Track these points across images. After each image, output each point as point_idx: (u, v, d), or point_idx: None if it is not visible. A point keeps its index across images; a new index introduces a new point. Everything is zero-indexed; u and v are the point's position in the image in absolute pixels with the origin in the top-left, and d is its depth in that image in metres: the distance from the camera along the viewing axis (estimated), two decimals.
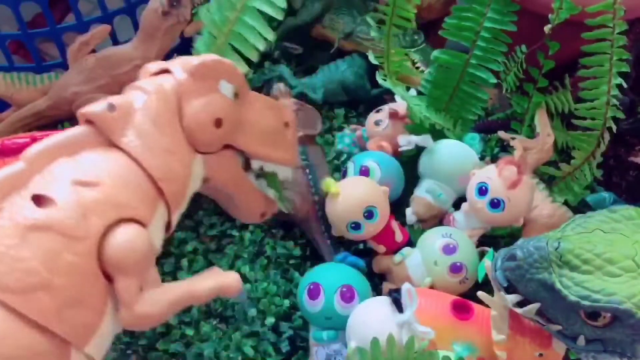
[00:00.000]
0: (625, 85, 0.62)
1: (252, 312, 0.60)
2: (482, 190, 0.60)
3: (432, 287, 0.59)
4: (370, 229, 0.60)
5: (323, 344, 0.56)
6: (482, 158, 0.70)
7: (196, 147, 0.50)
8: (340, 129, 0.77)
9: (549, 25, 0.63)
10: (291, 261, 0.65)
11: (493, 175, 0.60)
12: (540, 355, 0.50)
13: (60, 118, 0.78)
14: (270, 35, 0.65)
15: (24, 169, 0.44)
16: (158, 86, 0.49)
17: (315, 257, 0.65)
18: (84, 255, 0.42)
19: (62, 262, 0.41)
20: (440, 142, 0.67)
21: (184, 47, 0.87)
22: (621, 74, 0.62)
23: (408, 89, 0.72)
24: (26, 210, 0.42)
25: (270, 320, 0.60)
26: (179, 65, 0.50)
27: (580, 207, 0.66)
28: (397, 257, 0.61)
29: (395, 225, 0.63)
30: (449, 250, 0.59)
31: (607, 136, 0.65)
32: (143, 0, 0.79)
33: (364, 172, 0.65)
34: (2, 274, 0.40)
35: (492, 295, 0.49)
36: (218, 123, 0.50)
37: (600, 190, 0.68)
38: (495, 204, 0.60)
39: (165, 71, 0.51)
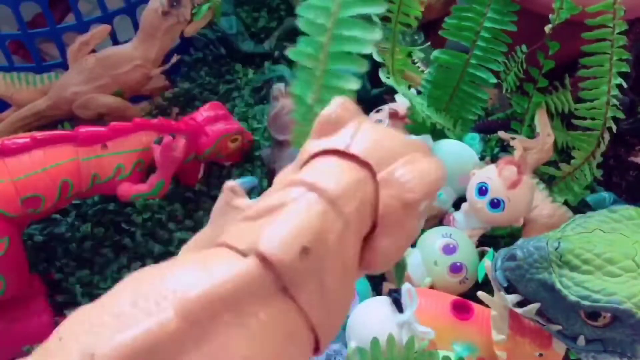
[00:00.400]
0: (625, 85, 0.62)
1: None
2: (482, 190, 0.60)
3: (432, 287, 0.59)
4: None
5: None
6: (482, 158, 0.70)
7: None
8: None
9: (549, 25, 0.63)
10: None
11: (493, 175, 0.60)
12: (541, 355, 0.50)
13: (60, 118, 0.79)
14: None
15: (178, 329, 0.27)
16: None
17: None
18: None
19: None
20: (440, 142, 0.67)
21: (184, 47, 0.87)
22: (621, 74, 0.61)
23: (409, 87, 0.72)
24: None
25: None
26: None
27: (580, 207, 0.66)
28: None
29: None
30: (449, 250, 0.59)
31: (607, 136, 0.65)
32: (143, 0, 0.79)
33: None
34: None
35: (492, 295, 0.49)
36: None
37: (600, 190, 0.68)
38: (495, 204, 0.60)
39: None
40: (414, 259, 0.60)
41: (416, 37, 0.79)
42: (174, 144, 0.64)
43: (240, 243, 0.28)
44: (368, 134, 0.32)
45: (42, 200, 0.59)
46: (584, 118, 0.65)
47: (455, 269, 0.58)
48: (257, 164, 0.74)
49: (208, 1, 0.77)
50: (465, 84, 0.70)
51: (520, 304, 0.46)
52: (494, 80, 0.68)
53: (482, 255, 0.60)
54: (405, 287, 0.49)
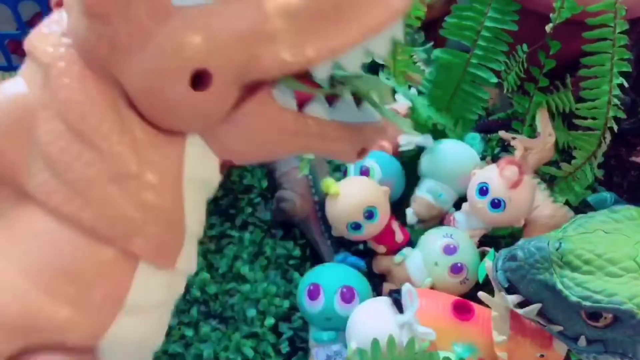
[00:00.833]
0: (626, 84, 0.61)
1: (252, 312, 0.60)
2: (483, 191, 0.60)
3: (432, 287, 0.58)
4: (370, 230, 0.60)
5: (323, 345, 0.56)
6: (483, 158, 0.69)
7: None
8: None
9: (550, 25, 0.63)
10: (291, 262, 0.65)
11: (494, 175, 0.60)
12: (542, 356, 0.50)
13: None
14: None
15: None
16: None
17: (315, 258, 0.65)
18: None
19: None
20: (441, 142, 0.66)
21: None
22: (622, 74, 0.61)
23: (409, 87, 0.72)
24: None
25: (269, 321, 0.59)
26: None
27: (582, 207, 0.66)
28: (398, 258, 0.61)
29: (395, 225, 0.63)
30: (449, 250, 0.59)
31: (608, 136, 0.64)
32: None
33: (364, 172, 0.64)
34: None
35: (493, 296, 0.49)
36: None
37: (602, 191, 0.68)
38: (496, 204, 0.59)
39: None
40: (414, 259, 0.60)
41: (416, 37, 0.78)
42: None
43: None
44: None
45: None
46: (585, 118, 0.65)
47: (456, 269, 0.58)
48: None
49: None
50: (466, 84, 0.70)
51: (521, 305, 0.46)
52: (494, 80, 0.68)
53: (482, 255, 0.60)
54: (406, 287, 0.49)
